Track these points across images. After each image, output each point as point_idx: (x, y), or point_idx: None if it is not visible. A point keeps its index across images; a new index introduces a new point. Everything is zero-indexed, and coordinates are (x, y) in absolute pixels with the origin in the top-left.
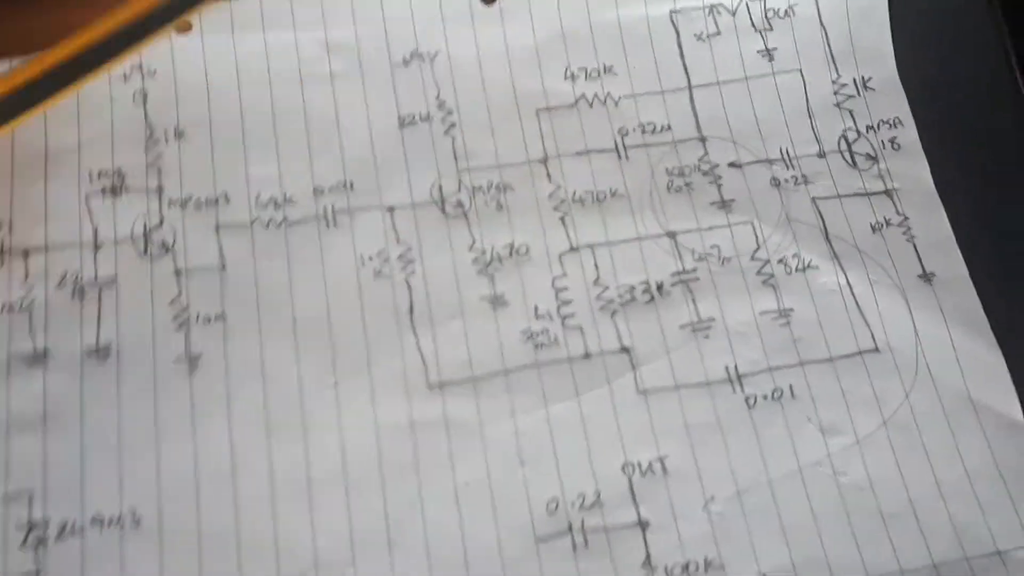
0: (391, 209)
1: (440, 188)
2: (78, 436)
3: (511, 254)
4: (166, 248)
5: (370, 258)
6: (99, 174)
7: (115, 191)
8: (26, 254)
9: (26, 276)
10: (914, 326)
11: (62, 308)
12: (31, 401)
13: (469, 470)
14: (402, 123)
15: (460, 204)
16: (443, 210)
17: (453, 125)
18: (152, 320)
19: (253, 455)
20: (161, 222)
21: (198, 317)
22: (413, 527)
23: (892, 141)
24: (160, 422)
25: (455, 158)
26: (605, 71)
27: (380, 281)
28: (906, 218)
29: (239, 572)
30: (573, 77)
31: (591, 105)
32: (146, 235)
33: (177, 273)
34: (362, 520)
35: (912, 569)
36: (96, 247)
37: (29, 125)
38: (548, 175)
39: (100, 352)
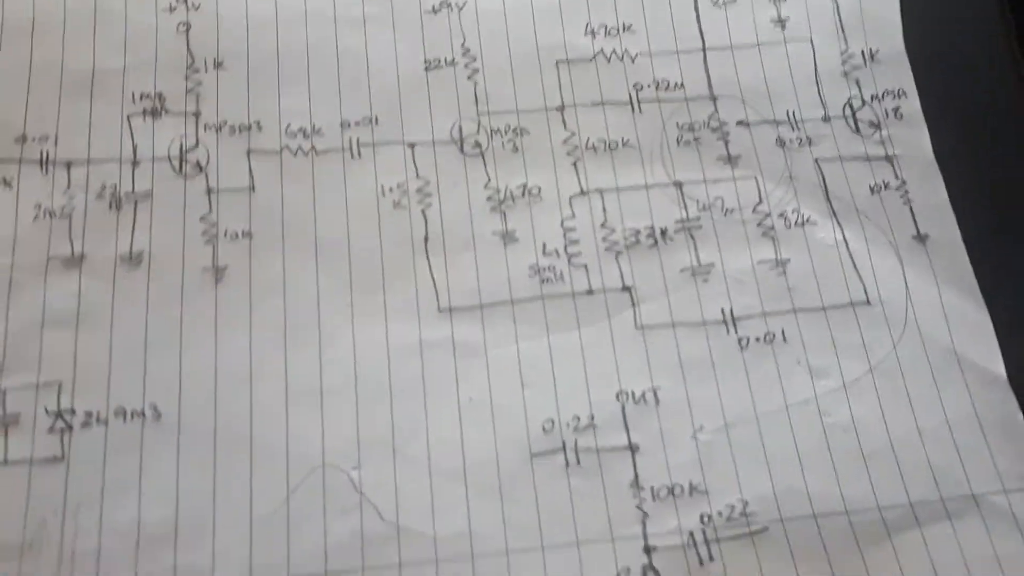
0: (412, 145)
1: (460, 129)
2: (107, 334)
3: (524, 194)
4: (200, 168)
5: (390, 189)
6: (141, 96)
7: (155, 113)
8: (69, 165)
9: (68, 185)
10: (905, 283)
11: (100, 217)
12: (66, 299)
13: (472, 388)
14: (428, 66)
15: (478, 144)
16: (461, 149)
17: (476, 71)
18: (183, 233)
19: (270, 362)
20: (196, 144)
21: (226, 233)
22: (417, 437)
23: (895, 110)
24: (185, 326)
25: (476, 102)
26: (624, 29)
27: (398, 211)
28: (904, 183)
29: (251, 467)
30: (593, 33)
31: (608, 60)
32: (182, 155)
33: (209, 192)
34: (369, 428)
35: (889, 506)
36: (134, 163)
37: (77, 49)
38: (564, 122)
39: (133, 259)
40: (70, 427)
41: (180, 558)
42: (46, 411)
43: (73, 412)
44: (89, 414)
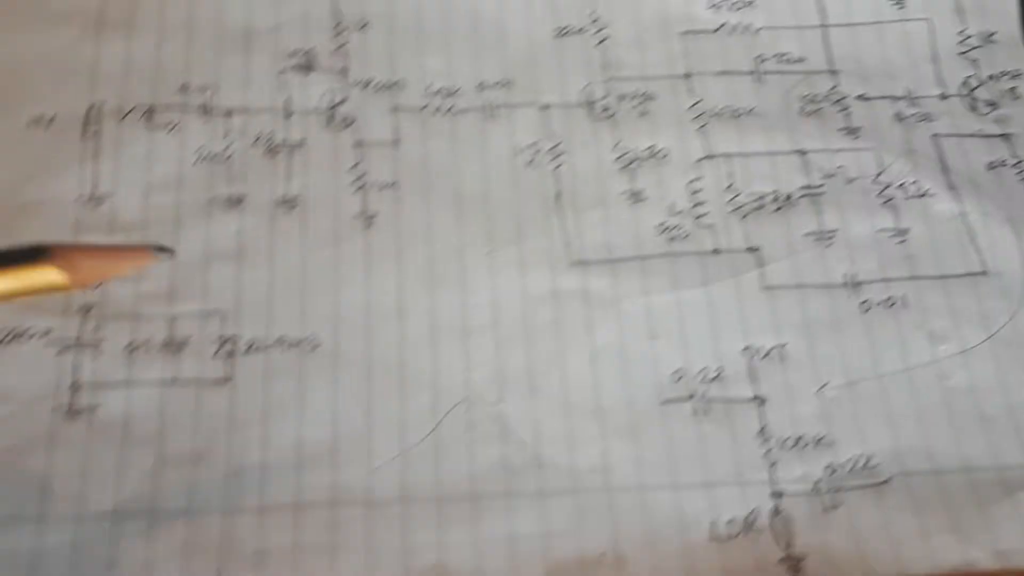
0: (545, 107)
1: (590, 93)
2: (267, 270)
3: (651, 156)
4: (348, 122)
5: (524, 149)
6: (293, 53)
7: (306, 68)
8: (228, 114)
9: (227, 133)
10: (1022, 256)
11: (257, 162)
12: (228, 237)
13: (604, 337)
14: (560, 33)
15: (607, 108)
16: (591, 112)
17: (605, 39)
18: (334, 181)
19: (417, 302)
20: (345, 99)
21: (374, 183)
22: (553, 377)
23: (1012, 91)
24: (339, 266)
25: (605, 68)
26: (746, 4)
27: (532, 169)
28: (1021, 160)
29: (402, 397)
30: (717, 7)
31: (732, 33)
32: (332, 109)
33: (357, 144)
34: (509, 367)
35: (1010, 466)
36: (288, 114)
37: (234, 6)
38: (689, 90)
39: (288, 203)
40: (234, 353)
41: (338, 476)
42: (212, 337)
43: (237, 339)
44: (252, 341)
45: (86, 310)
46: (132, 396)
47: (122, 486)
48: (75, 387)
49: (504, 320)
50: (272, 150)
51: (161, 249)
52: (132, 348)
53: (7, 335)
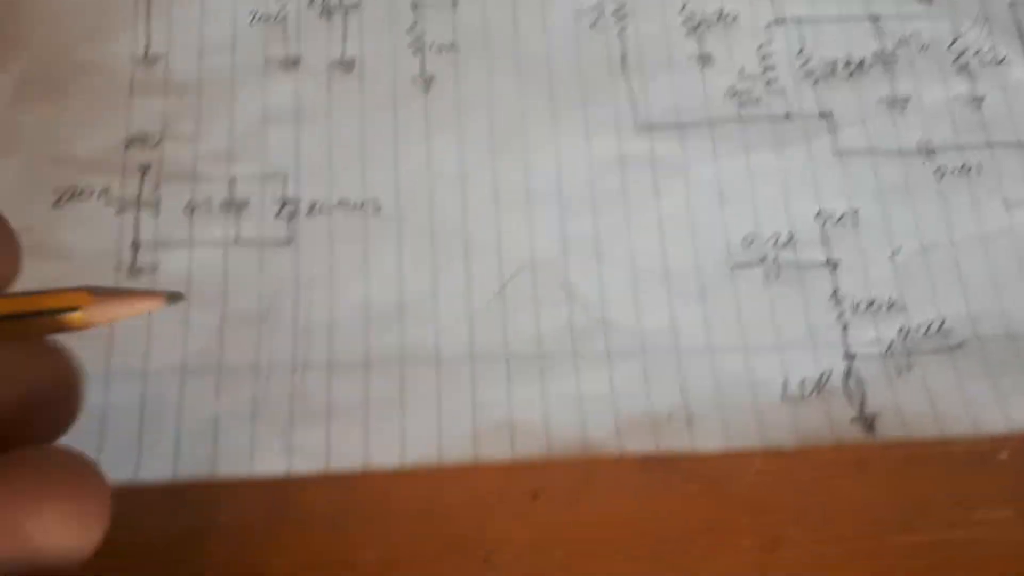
0: None
1: None
2: (326, 132)
3: (719, 19)
4: None
5: (587, 10)
6: None
7: None
8: None
9: None
10: None
11: (312, 23)
12: (285, 99)
13: (672, 203)
14: None
15: None
16: None
17: None
18: (392, 42)
19: (479, 166)
20: None
21: (432, 45)
22: (619, 243)
23: None
24: (398, 129)
25: None
26: None
27: (595, 32)
28: None
29: (466, 261)
30: None
31: None
32: None
33: (414, 5)
34: (574, 232)
35: None
36: None
37: None
38: None
39: (345, 64)
40: (296, 214)
41: (406, 336)
42: (273, 199)
43: (298, 200)
44: (313, 203)
45: (144, 169)
46: (194, 255)
47: (188, 343)
48: (136, 245)
49: (568, 186)
50: (327, 10)
51: (173, 296)
52: (192, 208)
53: (66, 193)
